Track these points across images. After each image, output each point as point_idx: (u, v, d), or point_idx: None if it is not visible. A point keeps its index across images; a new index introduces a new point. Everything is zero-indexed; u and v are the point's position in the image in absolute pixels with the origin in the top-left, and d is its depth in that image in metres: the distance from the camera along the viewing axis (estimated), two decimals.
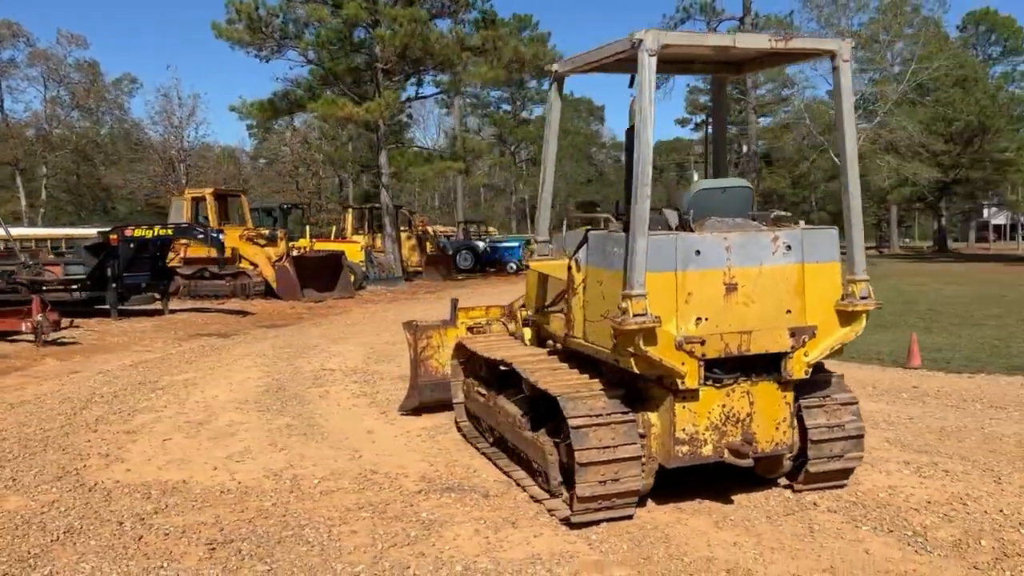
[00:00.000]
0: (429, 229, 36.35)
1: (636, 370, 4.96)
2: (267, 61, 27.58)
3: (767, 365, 5.19)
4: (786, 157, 63.45)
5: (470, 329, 8.24)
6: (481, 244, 37.57)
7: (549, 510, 5.44)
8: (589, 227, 5.71)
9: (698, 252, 4.91)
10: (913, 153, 40.15)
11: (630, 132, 6.50)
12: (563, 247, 6.58)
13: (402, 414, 8.40)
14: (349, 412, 8.70)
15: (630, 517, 5.24)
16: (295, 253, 25.08)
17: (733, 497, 5.63)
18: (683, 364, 4.90)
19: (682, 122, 79.64)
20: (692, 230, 5.06)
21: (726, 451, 5.20)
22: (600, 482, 5.02)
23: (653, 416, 5.23)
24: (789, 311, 5.14)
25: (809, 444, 5.48)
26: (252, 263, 23.83)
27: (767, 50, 5.08)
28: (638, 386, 5.33)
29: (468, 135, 50.05)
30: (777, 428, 5.30)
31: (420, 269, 31.48)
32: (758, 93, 46.88)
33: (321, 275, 24.30)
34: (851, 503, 5.51)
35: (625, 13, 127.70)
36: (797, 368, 5.19)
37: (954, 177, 50.67)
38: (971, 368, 10.62)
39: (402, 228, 31.54)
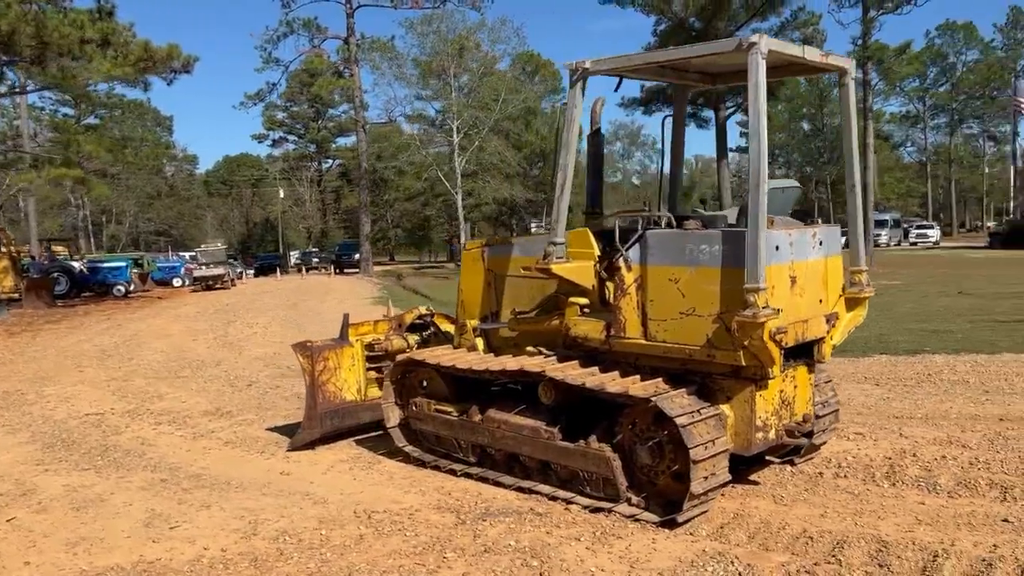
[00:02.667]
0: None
1: (743, 362, 5.10)
2: None
3: (802, 350, 5.67)
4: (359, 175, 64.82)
5: (368, 346, 7.52)
6: (77, 265, 32.79)
7: (629, 516, 5.30)
8: (645, 225, 5.65)
9: (777, 248, 5.21)
10: (505, 176, 44.41)
11: (592, 136, 6.62)
12: (530, 250, 6.44)
13: (288, 450, 7.30)
14: (216, 456, 7.32)
15: (707, 510, 5.35)
16: None
17: (752, 477, 6.03)
18: (774, 354, 5.17)
19: (259, 137, 77.99)
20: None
21: (784, 433, 5.58)
22: (705, 478, 5.07)
23: (726, 407, 5.39)
24: (821, 300, 5.70)
25: (814, 419, 6.09)
26: None
27: (802, 63, 5.56)
28: (695, 379, 5.45)
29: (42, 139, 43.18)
30: (806, 407, 5.82)
31: (16, 296, 26.52)
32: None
33: None
34: (842, 467, 6.23)
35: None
36: (827, 351, 5.77)
37: (526, 198, 56.97)
38: None
39: None
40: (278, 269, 48.19)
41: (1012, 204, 62.65)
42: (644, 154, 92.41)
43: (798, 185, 5.87)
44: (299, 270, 52.86)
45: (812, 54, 5.42)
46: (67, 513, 5.92)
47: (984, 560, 4.47)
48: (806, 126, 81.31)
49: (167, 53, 23.65)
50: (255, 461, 7.10)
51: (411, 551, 4.94)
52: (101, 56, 23.12)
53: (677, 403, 5.16)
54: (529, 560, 4.72)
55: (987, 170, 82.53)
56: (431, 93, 42.37)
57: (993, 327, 14.17)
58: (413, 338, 7.72)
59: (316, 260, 57.06)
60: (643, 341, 5.50)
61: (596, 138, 6.72)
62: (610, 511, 5.39)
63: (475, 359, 6.36)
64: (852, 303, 5.99)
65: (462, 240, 45.02)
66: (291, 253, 65.93)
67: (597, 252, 5.99)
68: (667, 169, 6.84)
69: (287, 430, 7.98)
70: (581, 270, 5.92)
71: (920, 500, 5.51)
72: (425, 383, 6.79)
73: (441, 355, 6.57)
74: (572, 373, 5.62)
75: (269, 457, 7.19)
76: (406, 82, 40.86)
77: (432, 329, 7.89)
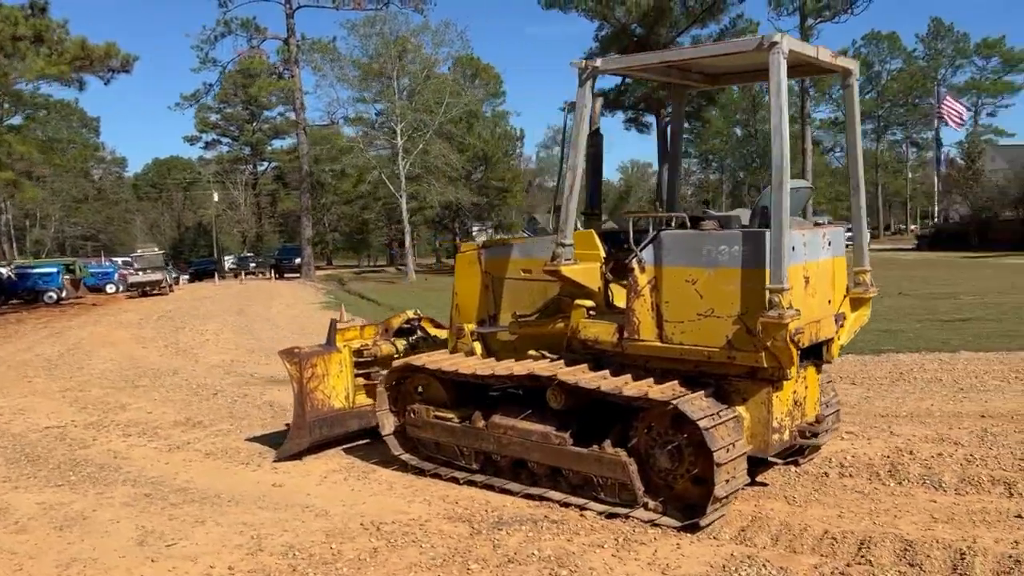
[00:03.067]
0: None
1: (764, 364, 5.06)
2: None
3: (812, 351, 5.67)
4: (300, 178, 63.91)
5: (356, 352, 7.30)
6: (4, 271, 31.47)
7: (647, 522, 5.21)
8: (660, 227, 5.58)
9: (793, 248, 5.19)
10: (449, 179, 44.10)
11: (592, 136, 6.54)
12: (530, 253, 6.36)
13: (276, 461, 7.02)
14: (198, 468, 7.00)
15: (725, 514, 5.30)
16: None
17: (759, 479, 6.00)
18: (793, 355, 5.14)
19: (191, 139, 76.04)
20: None
21: (796, 434, 5.56)
22: (727, 480, 5.02)
23: (741, 409, 5.35)
24: (829, 301, 5.71)
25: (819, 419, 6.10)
26: None
27: (813, 63, 5.56)
28: (710, 381, 5.40)
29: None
30: (816, 408, 5.83)
31: None
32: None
33: None
34: (845, 467, 6.26)
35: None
36: (836, 351, 5.79)
37: (471, 201, 56.71)
38: None
39: None
40: (215, 274, 47.05)
41: (936, 208, 64.89)
42: None
43: (811, 186, 5.88)
44: (236, 275, 51.70)
45: (824, 54, 5.43)
46: (50, 533, 5.57)
47: (1011, 557, 4.51)
48: (739, 131, 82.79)
49: (105, 51, 22.84)
50: (242, 473, 6.81)
51: (431, 563, 4.76)
52: (35, 54, 22.18)
53: (697, 406, 5.10)
54: (557, 569, 4.60)
55: (910, 175, 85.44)
56: (373, 96, 41.88)
57: (940, 326, 14.60)
58: (401, 343, 7.53)
59: (253, 265, 55.88)
60: (658, 343, 5.42)
61: (595, 138, 6.63)
62: (627, 516, 5.29)
63: (478, 364, 6.20)
64: (856, 303, 6.03)
65: (407, 244, 44.59)
66: (226, 258, 64.42)
67: (602, 253, 5.91)
68: (663, 170, 6.81)
69: (268, 440, 7.70)
70: (587, 272, 5.82)
71: (930, 498, 5.56)
72: (421, 389, 6.60)
73: (440, 360, 6.39)
74: (585, 377, 5.51)
75: (256, 468, 6.90)
76: (348, 84, 40.22)
77: (420, 334, 7.70)
